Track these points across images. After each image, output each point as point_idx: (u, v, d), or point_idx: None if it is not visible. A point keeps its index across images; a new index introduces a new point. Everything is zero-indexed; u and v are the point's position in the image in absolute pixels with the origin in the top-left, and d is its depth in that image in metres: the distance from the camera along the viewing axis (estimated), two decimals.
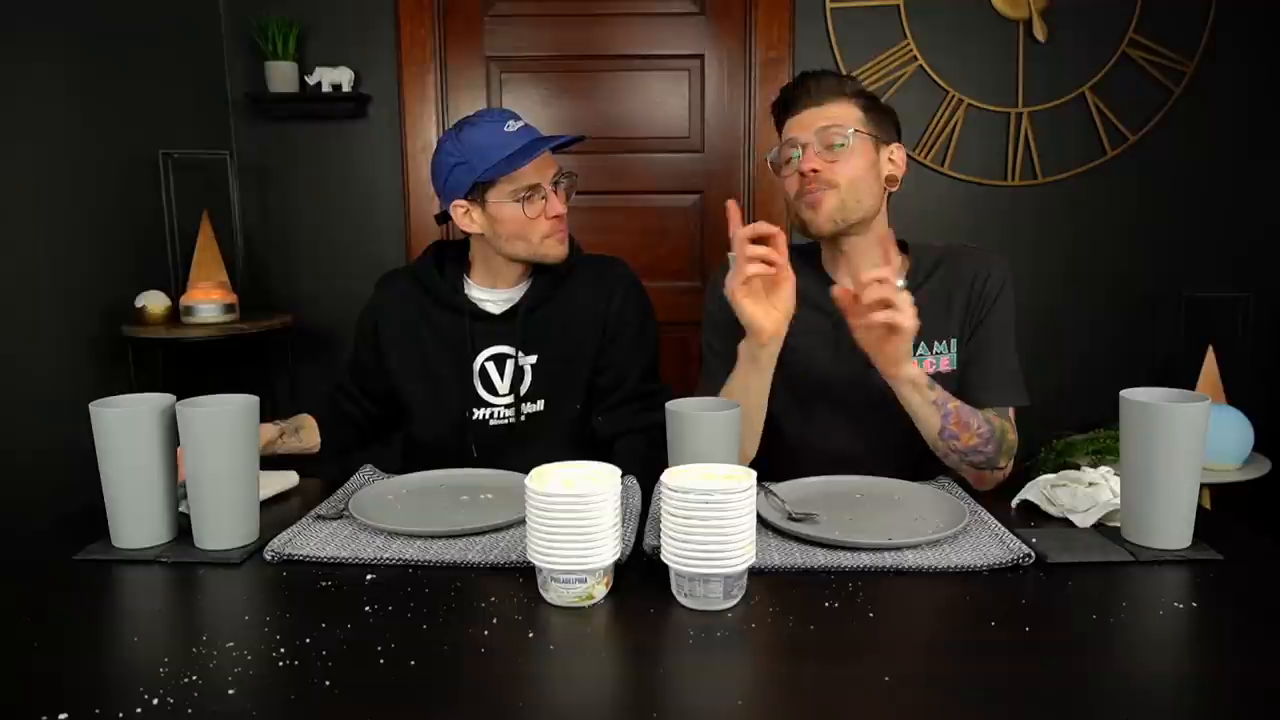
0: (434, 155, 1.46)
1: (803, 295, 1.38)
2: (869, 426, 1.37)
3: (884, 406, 1.36)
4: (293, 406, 2.52)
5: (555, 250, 1.46)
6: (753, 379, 1.25)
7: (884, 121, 1.36)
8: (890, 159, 1.36)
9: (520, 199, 1.41)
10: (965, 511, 1.08)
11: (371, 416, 1.61)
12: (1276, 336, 2.61)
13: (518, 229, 1.43)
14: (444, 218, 1.50)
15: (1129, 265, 2.62)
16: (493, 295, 1.52)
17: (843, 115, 1.32)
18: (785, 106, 1.37)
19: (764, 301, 1.18)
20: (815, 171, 1.30)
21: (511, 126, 1.41)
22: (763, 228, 1.15)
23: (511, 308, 1.50)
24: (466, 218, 1.45)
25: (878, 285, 1.13)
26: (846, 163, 1.31)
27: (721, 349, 1.41)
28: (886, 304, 1.13)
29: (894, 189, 1.37)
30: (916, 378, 1.21)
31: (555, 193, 1.44)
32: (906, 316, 1.14)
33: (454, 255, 1.57)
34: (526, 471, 0.94)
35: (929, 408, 1.23)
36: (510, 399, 1.50)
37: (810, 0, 2.54)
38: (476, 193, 1.43)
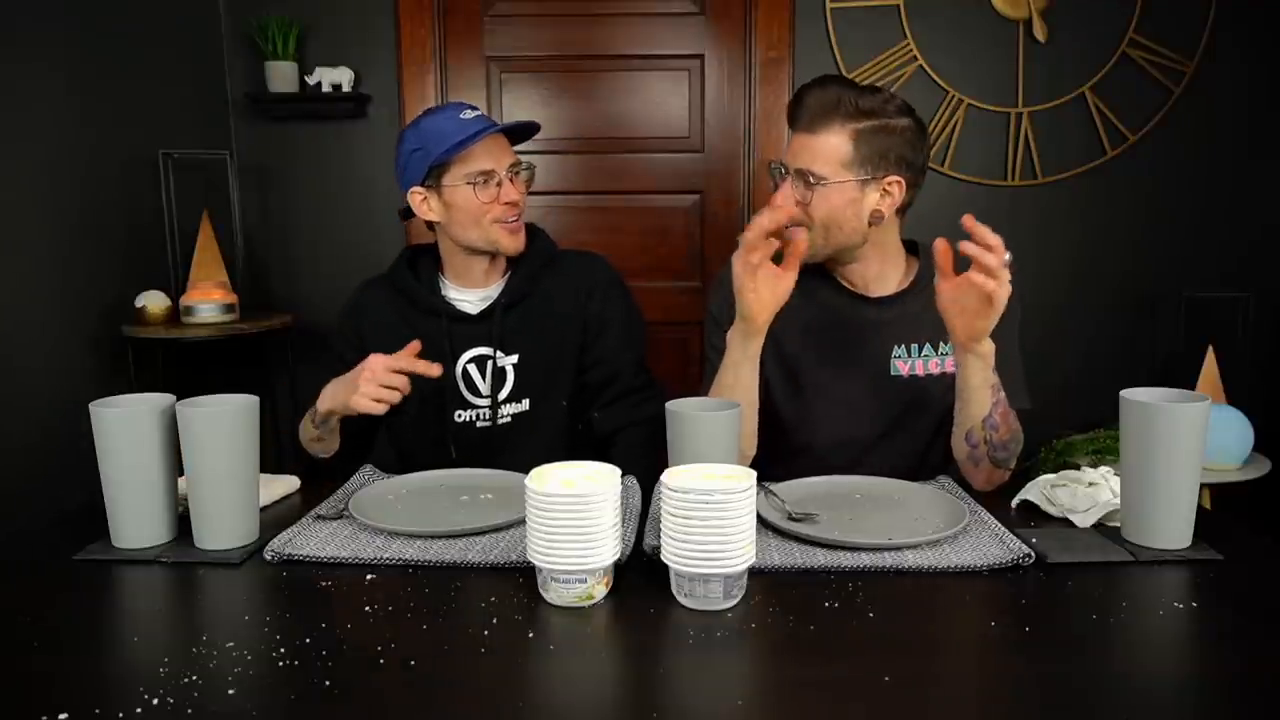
0: (396, 149, 1.48)
1: (806, 293, 1.39)
2: (870, 422, 1.37)
3: (885, 402, 1.36)
4: (293, 406, 2.54)
5: (508, 240, 1.46)
6: (744, 368, 1.25)
7: (882, 152, 1.27)
8: (885, 190, 1.29)
9: (473, 183, 1.41)
10: (965, 511, 1.08)
11: (350, 431, 1.51)
12: (1276, 336, 2.61)
13: (471, 215, 1.43)
14: (407, 213, 1.50)
15: (1129, 265, 2.62)
16: (468, 295, 1.52)
17: (828, 152, 1.26)
18: (789, 118, 1.33)
19: (764, 286, 1.18)
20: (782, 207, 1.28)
21: (468, 115, 1.43)
22: (780, 221, 1.16)
23: (488, 307, 1.50)
24: (425, 205, 1.46)
25: (987, 251, 1.09)
26: (822, 202, 1.27)
27: (725, 348, 1.41)
28: (992, 271, 1.10)
29: (877, 223, 1.31)
30: (989, 354, 1.18)
31: (512, 181, 1.44)
32: (1005, 289, 1.11)
33: (429, 258, 1.56)
34: (520, 470, 0.94)
35: (987, 390, 1.21)
36: (491, 400, 1.50)
37: (810, 0, 2.54)
38: (433, 178, 1.43)
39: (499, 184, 1.42)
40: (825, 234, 1.30)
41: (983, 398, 1.21)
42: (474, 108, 1.46)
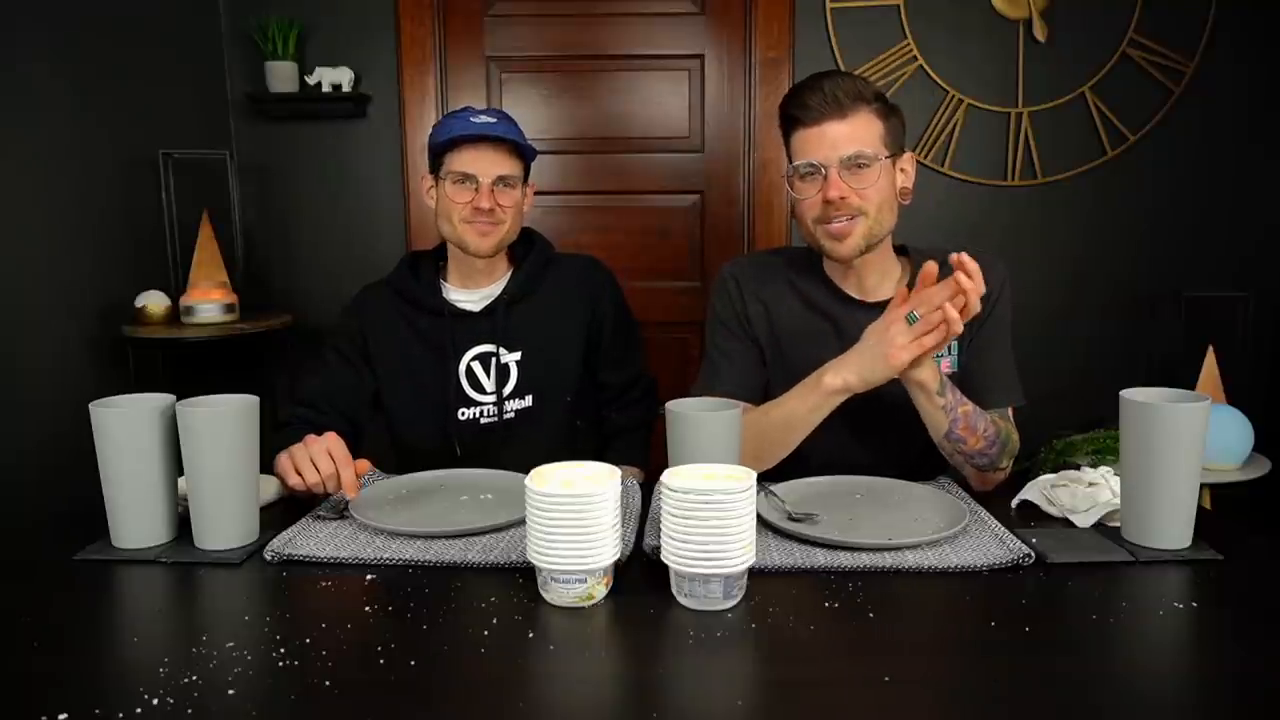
0: None
1: (805, 298, 1.39)
2: (868, 426, 1.37)
3: (882, 407, 1.36)
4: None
5: (474, 241, 1.48)
6: (822, 413, 1.25)
7: (899, 129, 1.30)
8: (902, 170, 1.32)
9: (457, 181, 1.46)
10: (965, 511, 1.08)
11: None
12: (1276, 336, 2.61)
13: (445, 210, 1.48)
14: None
15: (1129, 265, 2.62)
16: (470, 295, 1.55)
17: (867, 133, 1.26)
18: (801, 116, 1.27)
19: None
20: (843, 199, 1.25)
21: (480, 118, 1.47)
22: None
23: (490, 305, 1.53)
24: (431, 193, 1.53)
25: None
26: (873, 186, 1.26)
27: (728, 348, 1.41)
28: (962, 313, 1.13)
29: (906, 202, 1.33)
30: (926, 382, 1.20)
31: (492, 190, 1.46)
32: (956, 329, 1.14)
33: (428, 262, 1.60)
34: (522, 467, 0.94)
35: (938, 413, 1.23)
36: (496, 397, 1.51)
37: (810, 0, 2.54)
38: (437, 168, 1.50)
39: (476, 189, 1.46)
40: (879, 221, 1.28)
41: (935, 420, 1.24)
42: (496, 113, 1.49)
